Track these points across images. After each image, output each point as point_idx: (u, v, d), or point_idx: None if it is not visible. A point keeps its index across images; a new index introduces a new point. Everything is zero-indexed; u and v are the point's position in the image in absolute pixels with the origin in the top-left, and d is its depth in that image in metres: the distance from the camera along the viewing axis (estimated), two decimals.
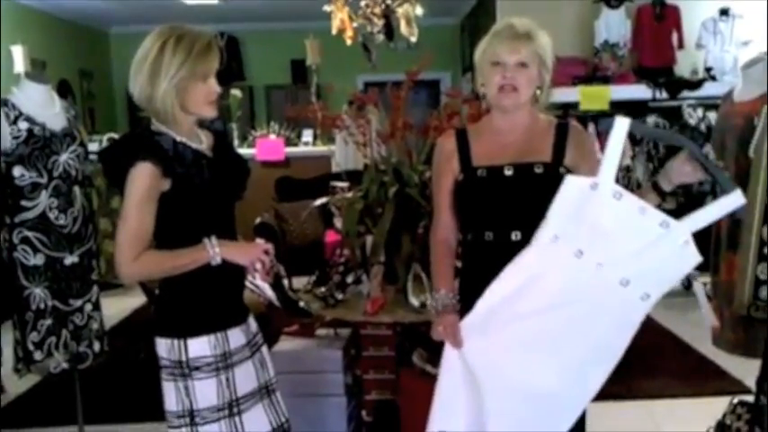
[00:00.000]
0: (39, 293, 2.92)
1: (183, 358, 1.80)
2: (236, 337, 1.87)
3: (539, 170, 1.89)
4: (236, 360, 1.86)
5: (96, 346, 3.11)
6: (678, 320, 4.89)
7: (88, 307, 3.06)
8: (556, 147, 1.93)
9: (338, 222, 3.53)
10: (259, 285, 1.92)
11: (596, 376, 1.81)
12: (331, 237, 3.61)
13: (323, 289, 2.95)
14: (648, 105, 5.66)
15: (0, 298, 3.07)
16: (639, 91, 5.74)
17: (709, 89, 5.67)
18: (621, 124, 1.75)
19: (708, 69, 6.17)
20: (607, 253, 1.73)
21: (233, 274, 1.87)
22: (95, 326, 3.10)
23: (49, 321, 2.95)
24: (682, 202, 5.81)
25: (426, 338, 2.98)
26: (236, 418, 1.85)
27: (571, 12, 6.51)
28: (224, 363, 1.83)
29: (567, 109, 5.35)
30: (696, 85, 5.78)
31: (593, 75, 6.05)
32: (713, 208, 1.73)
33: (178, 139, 1.80)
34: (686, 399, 3.65)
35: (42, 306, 2.93)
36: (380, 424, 3.06)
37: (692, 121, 5.35)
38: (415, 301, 2.78)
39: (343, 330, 3.25)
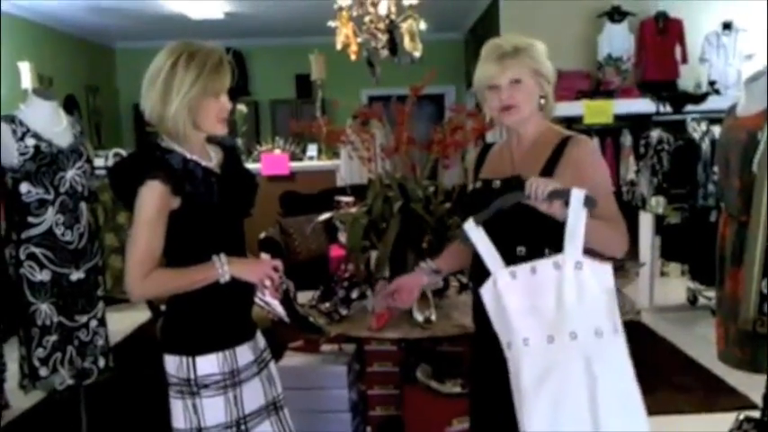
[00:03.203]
0: (44, 309, 2.93)
1: (192, 376, 1.80)
2: (244, 354, 1.87)
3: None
4: (244, 377, 1.86)
5: (102, 362, 3.11)
6: (684, 335, 4.88)
7: (94, 323, 3.07)
8: (547, 163, 1.90)
9: (343, 237, 3.54)
10: (269, 302, 1.91)
11: (616, 421, 1.73)
12: (335, 251, 3.62)
13: (327, 304, 2.95)
14: (652, 119, 5.67)
15: (6, 314, 3.08)
16: (643, 105, 5.75)
17: (712, 103, 5.67)
18: (470, 225, 1.85)
19: (711, 83, 6.19)
20: (541, 327, 1.76)
21: (241, 290, 1.87)
22: (101, 342, 3.11)
23: (54, 337, 2.96)
24: (687, 217, 5.79)
25: (431, 354, 2.99)
26: None
27: (574, 26, 6.54)
28: (232, 380, 1.83)
29: (570, 123, 5.37)
30: (700, 98, 5.79)
31: (597, 89, 6.07)
32: (571, 221, 1.72)
33: (188, 156, 1.80)
34: (692, 414, 3.63)
35: (48, 322, 2.94)
36: None
37: (696, 135, 5.36)
38: (419, 317, 2.78)
39: (347, 346, 3.24)
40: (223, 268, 1.76)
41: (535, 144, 1.97)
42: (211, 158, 1.88)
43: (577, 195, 1.71)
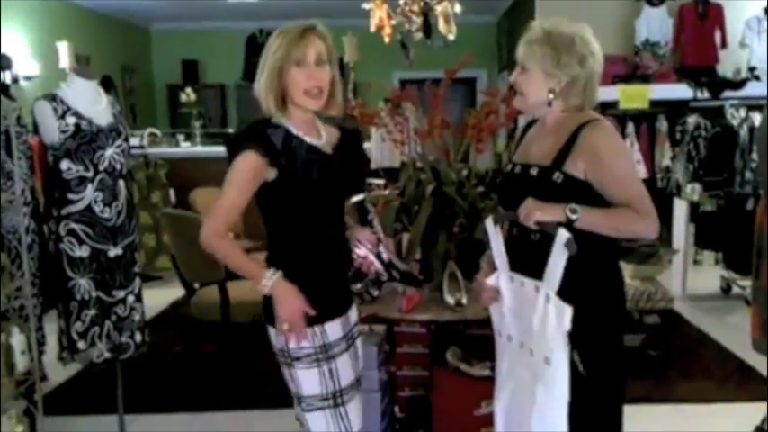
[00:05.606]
0: (83, 284, 2.99)
1: (285, 347, 1.89)
2: (333, 329, 1.93)
3: (533, 172, 1.91)
4: (337, 352, 1.93)
5: (138, 337, 3.17)
6: (716, 324, 4.82)
7: (130, 298, 3.12)
8: (560, 151, 1.87)
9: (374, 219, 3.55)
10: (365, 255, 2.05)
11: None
12: None
13: (359, 285, 2.97)
14: (689, 105, 5.58)
15: (46, 288, 3.15)
16: (680, 90, 5.66)
17: (752, 89, 5.57)
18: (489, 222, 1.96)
19: (751, 69, 6.05)
20: (519, 330, 1.94)
21: (338, 265, 1.98)
22: (137, 317, 3.16)
23: (92, 312, 3.01)
24: (722, 205, 5.71)
25: (461, 337, 3.01)
26: (341, 409, 1.92)
27: (611, 10, 6.43)
28: (324, 354, 1.90)
29: (605, 108, 5.31)
30: (739, 84, 5.68)
31: (634, 73, 5.98)
32: (553, 256, 1.79)
33: (294, 132, 1.85)
34: (724, 403, 3.60)
35: (86, 297, 3.00)
36: (413, 420, 3.09)
37: (735, 122, 5.26)
38: (450, 300, 2.79)
39: (377, 327, 3.27)
40: (268, 282, 1.83)
41: (555, 130, 1.94)
42: (321, 137, 1.91)
43: (561, 237, 1.77)
